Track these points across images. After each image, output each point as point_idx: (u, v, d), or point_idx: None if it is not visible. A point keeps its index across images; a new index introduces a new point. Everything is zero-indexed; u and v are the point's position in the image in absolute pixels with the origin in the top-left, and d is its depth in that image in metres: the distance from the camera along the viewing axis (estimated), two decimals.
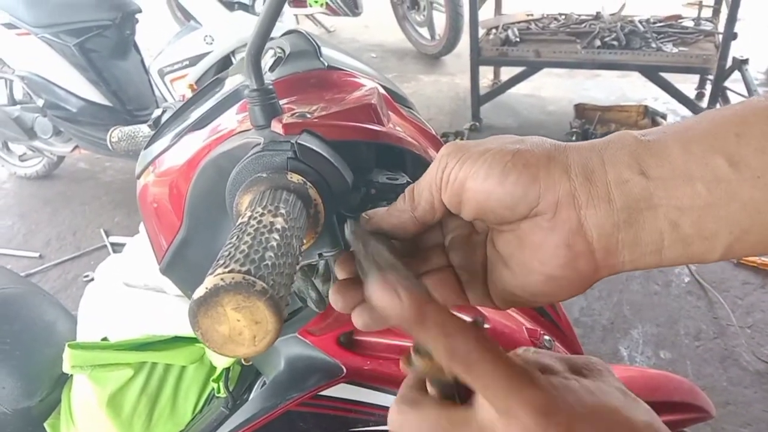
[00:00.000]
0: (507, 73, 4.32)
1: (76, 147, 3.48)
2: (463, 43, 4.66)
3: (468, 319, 0.35)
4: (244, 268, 0.36)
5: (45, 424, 1.16)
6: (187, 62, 3.04)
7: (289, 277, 0.39)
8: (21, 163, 3.87)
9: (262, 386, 0.86)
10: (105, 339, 1.04)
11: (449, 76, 5.16)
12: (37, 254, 3.15)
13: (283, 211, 0.44)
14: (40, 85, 3.24)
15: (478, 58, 3.86)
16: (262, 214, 0.43)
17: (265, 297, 0.35)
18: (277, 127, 0.55)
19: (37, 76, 3.22)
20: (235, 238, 0.40)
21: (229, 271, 0.35)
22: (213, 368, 1.02)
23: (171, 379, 1.04)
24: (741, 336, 2.35)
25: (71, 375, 1.09)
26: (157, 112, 1.07)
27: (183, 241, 0.71)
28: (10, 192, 3.82)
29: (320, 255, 0.54)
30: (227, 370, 0.96)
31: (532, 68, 3.90)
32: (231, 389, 0.95)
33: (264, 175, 0.49)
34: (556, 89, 4.68)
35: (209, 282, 0.35)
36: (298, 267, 0.56)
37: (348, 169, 0.56)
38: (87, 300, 1.08)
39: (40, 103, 3.29)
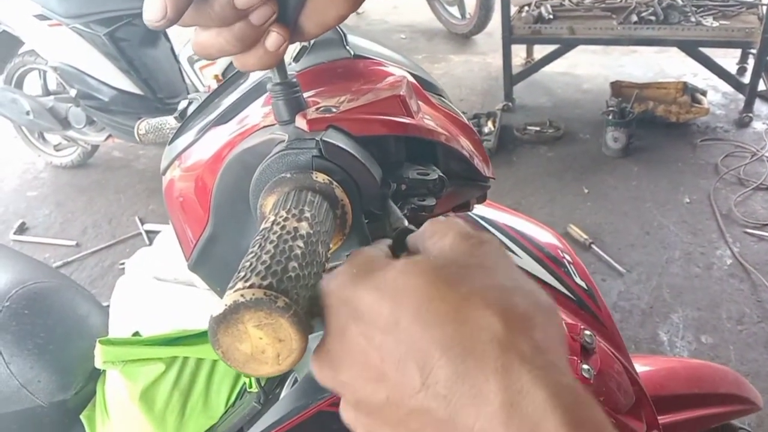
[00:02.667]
0: (540, 51, 4.23)
1: (109, 136, 3.51)
2: (495, 21, 4.57)
3: None
4: (265, 282, 0.33)
5: (81, 417, 1.17)
6: None
7: (315, 288, 0.37)
8: (56, 153, 3.93)
9: (294, 383, 0.85)
10: (137, 333, 1.04)
11: (481, 56, 5.07)
12: (74, 242, 3.21)
13: (308, 214, 0.42)
14: (72, 76, 3.27)
15: (510, 37, 3.78)
16: (285, 219, 0.41)
17: (289, 314, 0.33)
18: (301, 123, 0.52)
19: (69, 67, 3.25)
20: (257, 246, 0.38)
21: (250, 286, 0.33)
22: None
23: (203, 374, 1.04)
24: None
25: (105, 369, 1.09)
26: (183, 104, 1.05)
27: (210, 237, 0.70)
28: (46, 181, 3.89)
29: (348, 256, 0.52)
30: None
31: (566, 46, 3.80)
32: (263, 384, 0.93)
33: (288, 175, 0.47)
34: (591, 67, 4.56)
35: (228, 298, 0.33)
36: (325, 273, 0.54)
37: (376, 165, 0.53)
38: (118, 294, 1.08)
39: (73, 93, 3.32)
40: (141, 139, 1.10)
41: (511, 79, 3.96)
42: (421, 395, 0.29)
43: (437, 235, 0.39)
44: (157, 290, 0.99)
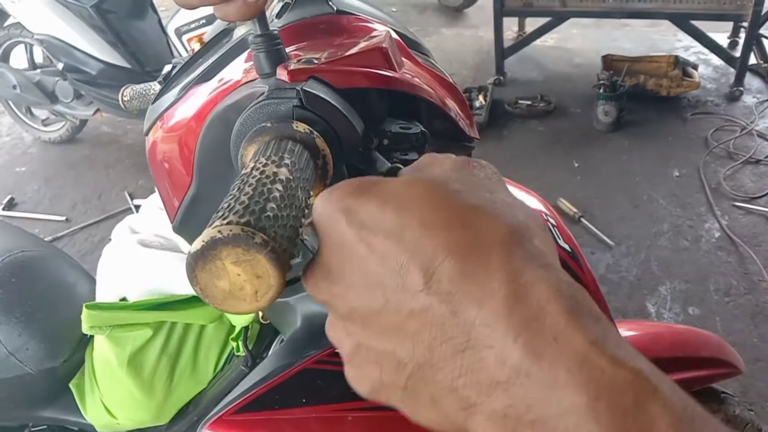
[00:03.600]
0: (532, 24, 4.20)
1: (97, 110, 3.48)
2: None
3: None
4: (243, 220, 0.33)
5: (70, 384, 1.18)
6: (204, 21, 3.00)
7: (294, 229, 0.37)
8: (44, 128, 3.89)
9: (281, 344, 0.85)
10: (123, 299, 1.04)
11: (472, 29, 5.04)
12: (63, 218, 3.19)
13: (288, 161, 0.42)
14: (59, 48, 3.22)
15: (501, 10, 3.75)
16: (265, 165, 0.41)
17: (266, 249, 0.33)
18: (282, 74, 0.52)
19: (55, 39, 3.20)
20: (236, 189, 0.38)
21: (227, 223, 0.33)
22: (233, 327, 1.01)
23: (191, 339, 1.04)
24: None
25: (93, 336, 1.09)
26: (167, 68, 1.04)
27: (194, 197, 0.70)
28: (35, 157, 3.85)
29: None
30: (246, 328, 0.95)
31: (557, 19, 3.78)
32: (250, 348, 0.94)
33: (268, 124, 0.47)
34: (583, 40, 4.55)
35: (206, 234, 0.33)
36: (306, 222, 0.54)
37: (358, 117, 0.53)
38: (104, 261, 1.07)
39: (60, 66, 3.28)
40: (125, 105, 1.09)
41: (502, 52, 3.94)
42: (423, 294, 0.29)
43: (436, 163, 0.39)
44: (143, 256, 0.99)
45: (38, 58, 3.65)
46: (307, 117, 0.48)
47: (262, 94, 0.52)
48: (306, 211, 0.41)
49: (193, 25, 3.02)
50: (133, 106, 1.13)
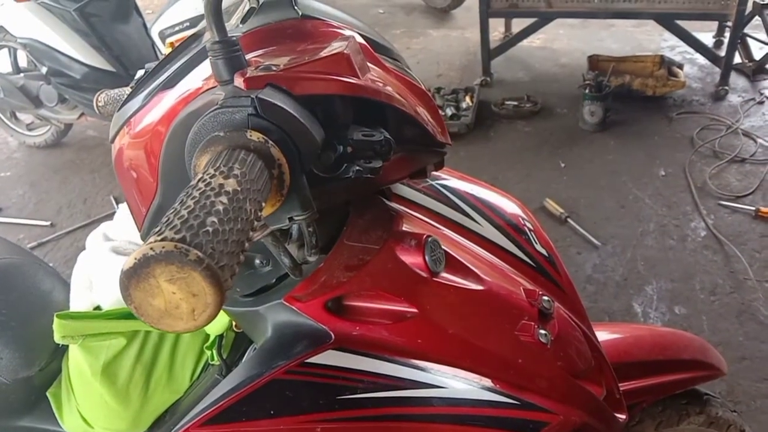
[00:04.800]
0: (518, 25, 4.20)
1: (82, 114, 3.45)
2: None
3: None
4: (178, 236, 0.32)
5: (47, 393, 1.16)
6: (188, 23, 2.97)
7: (238, 243, 0.36)
8: (29, 132, 3.86)
9: (252, 354, 0.84)
10: (98, 307, 1.03)
11: (459, 30, 5.03)
12: (48, 223, 3.16)
13: (237, 172, 0.41)
14: (42, 52, 3.19)
15: (487, 11, 3.75)
16: (212, 176, 0.40)
17: (201, 267, 0.32)
18: (239, 81, 0.51)
19: (39, 43, 3.17)
20: (178, 202, 0.37)
21: (162, 239, 0.32)
22: (208, 335, 1.00)
23: (166, 347, 1.03)
24: (758, 290, 2.30)
25: (68, 344, 1.08)
26: (139, 73, 1.03)
27: (160, 206, 0.69)
28: (20, 161, 3.82)
29: (291, 219, 0.51)
30: (221, 337, 0.94)
31: (543, 19, 3.78)
32: (225, 356, 0.93)
33: (221, 134, 0.46)
34: (569, 41, 4.55)
35: (139, 252, 0.32)
36: (263, 234, 0.53)
37: (318, 125, 0.52)
38: (78, 269, 1.06)
39: (44, 70, 3.25)
40: (100, 110, 1.07)
41: (489, 53, 3.94)
42: None
43: None
44: (116, 264, 0.98)
45: (22, 62, 3.61)
46: (262, 126, 0.47)
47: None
48: (255, 223, 0.40)
49: (177, 28, 2.99)
50: (108, 111, 1.11)
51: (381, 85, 0.60)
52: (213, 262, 0.32)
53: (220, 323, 0.93)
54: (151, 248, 0.31)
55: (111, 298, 0.98)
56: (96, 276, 1.02)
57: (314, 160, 0.51)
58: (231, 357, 0.94)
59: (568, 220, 2.70)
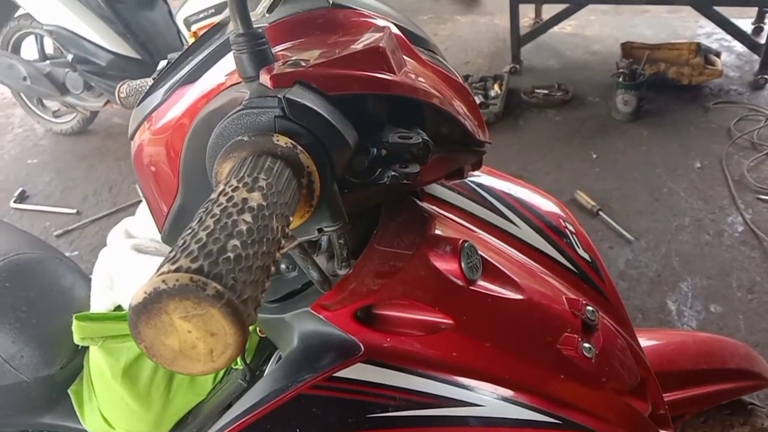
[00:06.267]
0: (549, 11, 4.09)
1: (108, 101, 3.44)
2: None
3: None
4: (195, 265, 0.28)
5: (69, 391, 1.14)
6: (213, 10, 2.93)
7: (263, 269, 0.32)
8: (55, 119, 3.87)
9: (278, 361, 0.80)
10: (119, 307, 1.00)
11: (488, 16, 4.94)
12: (74, 210, 3.17)
13: (263, 183, 0.36)
14: (68, 39, 3.19)
15: None
16: (235, 189, 0.35)
17: (221, 303, 0.27)
18: (265, 78, 0.46)
19: (65, 30, 3.17)
20: (197, 221, 0.33)
21: (176, 270, 0.28)
22: None
23: None
24: None
25: None
26: (162, 64, 0.99)
27: (181, 208, 0.65)
28: (47, 149, 3.83)
29: (320, 230, 0.46)
30: None
31: (575, 5, 3.68)
32: (249, 361, 0.89)
33: (245, 138, 0.41)
34: (601, 27, 4.43)
35: (150, 284, 0.27)
36: (289, 247, 0.49)
37: (351, 127, 0.47)
38: (99, 266, 1.03)
39: (70, 57, 3.25)
40: (122, 102, 1.04)
41: (518, 40, 3.85)
42: None
43: None
44: (137, 263, 0.94)
45: (49, 49, 3.62)
46: (290, 129, 0.42)
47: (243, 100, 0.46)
48: (282, 242, 0.36)
49: (201, 15, 2.96)
50: (130, 103, 1.08)
51: (420, 81, 0.55)
52: (234, 295, 0.28)
53: None
54: (164, 280, 0.27)
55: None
56: (117, 275, 0.99)
57: (347, 165, 0.47)
58: (255, 361, 0.91)
59: (600, 213, 2.62)
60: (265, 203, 0.35)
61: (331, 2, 0.60)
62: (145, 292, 0.27)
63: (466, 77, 3.70)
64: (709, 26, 3.79)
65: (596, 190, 2.78)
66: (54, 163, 3.65)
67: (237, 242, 0.30)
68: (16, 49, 3.65)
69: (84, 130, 3.86)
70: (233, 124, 0.43)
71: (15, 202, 3.28)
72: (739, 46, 3.71)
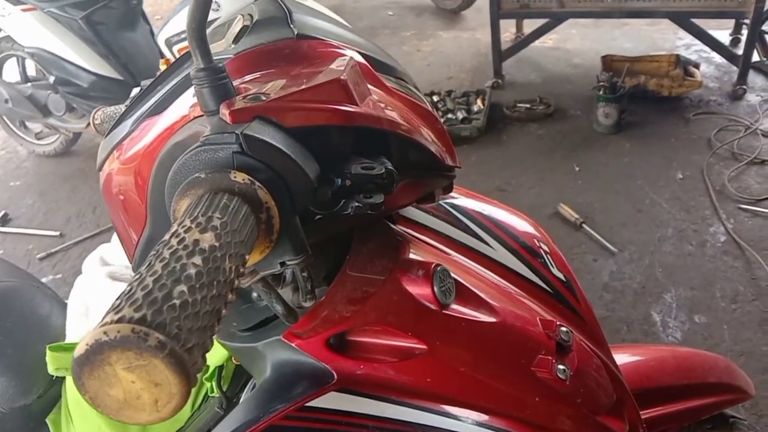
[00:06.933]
0: (530, 25, 4.14)
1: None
2: None
3: None
4: (137, 315, 0.28)
5: (47, 420, 1.12)
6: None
7: (212, 314, 0.31)
8: (38, 141, 3.85)
9: (253, 389, 0.80)
10: None
11: (470, 32, 4.98)
12: (57, 233, 3.15)
13: (216, 222, 0.36)
14: (49, 61, 3.18)
15: (498, 12, 3.69)
16: (187, 230, 0.35)
17: (163, 353, 0.27)
18: (224, 113, 0.46)
19: (46, 52, 3.17)
20: (146, 265, 0.32)
21: (118, 320, 0.27)
22: (207, 366, 0.96)
23: None
24: None
25: None
26: (135, 91, 0.99)
27: (149, 237, 0.64)
28: (30, 170, 3.81)
29: (282, 264, 0.46)
30: (220, 368, 0.89)
31: (555, 19, 3.72)
32: (225, 388, 0.88)
33: (202, 175, 0.41)
34: (582, 41, 4.48)
35: (92, 336, 0.27)
36: (251, 282, 0.48)
37: (312, 160, 0.47)
38: (74, 294, 1.02)
39: (52, 79, 3.24)
40: (97, 128, 1.04)
41: (500, 55, 3.88)
42: None
43: None
44: (112, 290, 0.94)
45: (31, 71, 3.61)
46: (248, 164, 0.42)
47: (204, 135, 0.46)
48: (236, 283, 0.35)
49: (183, 35, 2.96)
50: (104, 129, 1.08)
51: (382, 109, 0.55)
52: (178, 345, 0.28)
53: (219, 355, 0.89)
54: (105, 332, 0.27)
55: None
56: (92, 303, 0.98)
57: (308, 198, 0.47)
58: (231, 389, 0.90)
59: (584, 225, 2.63)
60: (217, 244, 0.34)
61: (296, 33, 0.60)
62: (87, 344, 0.27)
63: (448, 92, 3.72)
64: (687, 38, 3.84)
65: (579, 202, 2.79)
66: (37, 185, 3.63)
67: (184, 287, 0.30)
68: None
69: (67, 152, 3.85)
70: (191, 160, 0.43)
71: None
72: (717, 57, 3.77)
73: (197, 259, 0.32)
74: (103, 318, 0.28)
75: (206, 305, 0.31)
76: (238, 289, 0.35)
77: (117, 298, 0.30)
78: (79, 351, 0.27)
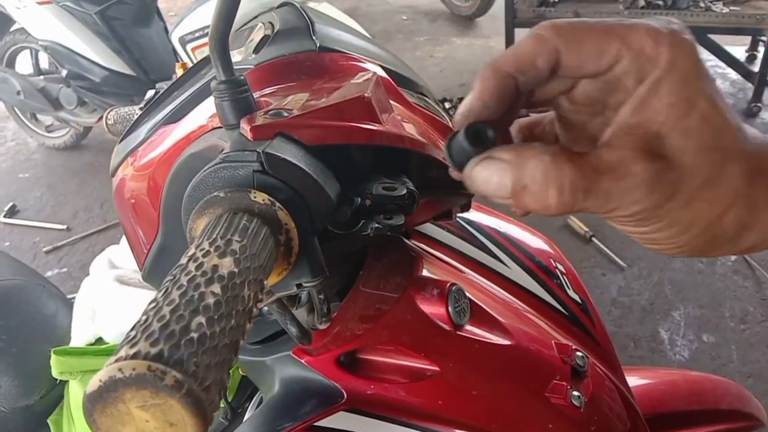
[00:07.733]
0: None
1: (101, 117, 3.43)
2: (498, 3, 4.46)
3: None
4: (154, 350, 0.26)
5: (48, 420, 1.11)
6: (209, 29, 2.93)
7: (230, 347, 0.30)
8: (49, 134, 3.86)
9: (259, 404, 0.78)
10: (100, 339, 0.97)
11: (483, 39, 4.96)
12: (64, 227, 3.14)
13: (236, 246, 0.35)
14: (63, 55, 3.19)
15: (513, 20, 3.67)
16: (206, 254, 0.34)
17: (180, 393, 0.26)
18: (245, 129, 0.45)
19: (59, 46, 3.17)
20: (162, 292, 0.31)
21: (134, 355, 0.26)
22: None
23: None
24: None
25: None
26: (149, 94, 0.98)
27: (161, 247, 0.63)
28: (39, 163, 3.82)
29: (299, 286, 0.45)
30: None
31: None
32: (230, 399, 0.87)
33: (221, 194, 0.40)
34: None
35: (105, 372, 0.26)
36: (266, 303, 0.47)
37: (333, 179, 0.46)
38: (81, 297, 1.01)
39: (64, 73, 3.25)
40: (109, 129, 1.03)
41: None
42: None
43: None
44: (120, 295, 0.93)
45: (44, 64, 3.61)
46: (268, 184, 0.41)
47: (223, 150, 0.45)
48: (255, 311, 0.34)
49: (197, 34, 2.96)
50: (117, 130, 1.07)
51: (404, 127, 0.54)
52: (196, 383, 0.26)
53: None
54: (120, 368, 0.25)
55: (113, 331, 0.93)
56: (99, 306, 0.97)
57: (328, 218, 0.45)
58: (237, 399, 0.88)
59: (593, 239, 2.61)
60: (236, 270, 0.33)
61: (318, 45, 0.59)
62: (101, 380, 0.26)
63: (460, 99, 3.70)
64: (703, 53, 3.81)
65: (589, 215, 2.76)
66: (46, 178, 3.63)
67: (203, 319, 0.29)
68: (11, 64, 3.64)
69: (77, 146, 3.85)
70: (210, 177, 0.42)
71: (5, 216, 3.26)
72: (732, 74, 3.74)
73: (216, 288, 0.31)
74: (118, 351, 0.27)
75: (224, 338, 0.29)
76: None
77: (132, 329, 0.28)
78: (92, 387, 0.26)
